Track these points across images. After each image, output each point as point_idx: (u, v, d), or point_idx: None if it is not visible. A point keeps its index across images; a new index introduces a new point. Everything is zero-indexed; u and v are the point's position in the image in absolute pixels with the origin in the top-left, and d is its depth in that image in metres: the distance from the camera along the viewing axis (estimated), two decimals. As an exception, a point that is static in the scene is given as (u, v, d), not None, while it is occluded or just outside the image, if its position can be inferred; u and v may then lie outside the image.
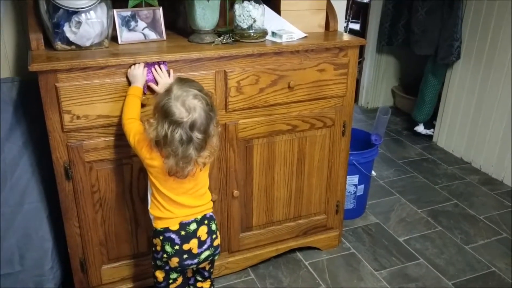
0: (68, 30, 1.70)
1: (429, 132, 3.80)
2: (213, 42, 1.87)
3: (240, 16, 1.90)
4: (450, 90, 3.48)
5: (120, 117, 1.69)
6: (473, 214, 2.77)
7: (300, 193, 2.21)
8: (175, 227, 1.59)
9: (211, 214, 1.67)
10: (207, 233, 1.63)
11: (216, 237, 1.67)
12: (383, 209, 2.79)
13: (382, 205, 2.84)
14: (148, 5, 1.86)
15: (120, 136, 1.73)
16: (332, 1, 2.17)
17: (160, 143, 1.47)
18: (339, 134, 2.17)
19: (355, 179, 2.55)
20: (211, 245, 1.65)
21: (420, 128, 3.81)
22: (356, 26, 5.00)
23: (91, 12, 1.69)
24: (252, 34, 1.91)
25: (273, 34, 1.98)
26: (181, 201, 1.58)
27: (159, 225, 1.60)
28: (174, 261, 1.61)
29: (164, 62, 1.71)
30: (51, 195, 1.84)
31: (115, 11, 1.79)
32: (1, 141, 1.79)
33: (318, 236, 2.35)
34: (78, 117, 1.66)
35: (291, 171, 2.14)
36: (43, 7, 1.68)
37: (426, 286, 2.19)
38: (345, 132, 2.18)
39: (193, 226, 1.60)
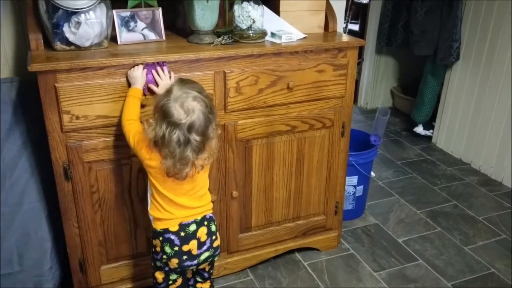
0: (68, 31, 1.70)
1: (428, 133, 3.79)
2: (213, 43, 1.87)
3: (239, 16, 1.90)
4: (450, 90, 3.48)
5: (119, 117, 1.69)
6: (472, 215, 2.77)
7: (299, 193, 2.21)
8: (174, 228, 1.59)
9: (211, 215, 1.67)
10: (207, 234, 1.63)
11: (216, 238, 1.67)
12: (382, 210, 2.79)
13: (381, 206, 2.84)
14: (148, 5, 1.87)
15: (119, 136, 1.73)
16: (331, 2, 2.17)
17: (159, 144, 1.47)
18: (338, 135, 2.17)
19: (354, 180, 2.55)
20: (210, 246, 1.65)
21: (419, 129, 3.81)
22: (355, 27, 5.00)
23: (91, 12, 1.69)
24: (251, 34, 1.91)
25: (272, 34, 1.98)
26: (181, 202, 1.58)
27: (158, 226, 1.60)
28: (174, 262, 1.61)
29: (164, 63, 1.71)
30: (50, 195, 1.84)
31: (114, 11, 1.79)
32: (1, 141, 1.79)
33: (317, 237, 2.35)
34: (77, 118, 1.66)
35: (290, 171, 2.14)
36: (42, 7, 1.68)
37: (425, 287, 2.19)
38: (344, 132, 2.18)
39: (192, 227, 1.60)
